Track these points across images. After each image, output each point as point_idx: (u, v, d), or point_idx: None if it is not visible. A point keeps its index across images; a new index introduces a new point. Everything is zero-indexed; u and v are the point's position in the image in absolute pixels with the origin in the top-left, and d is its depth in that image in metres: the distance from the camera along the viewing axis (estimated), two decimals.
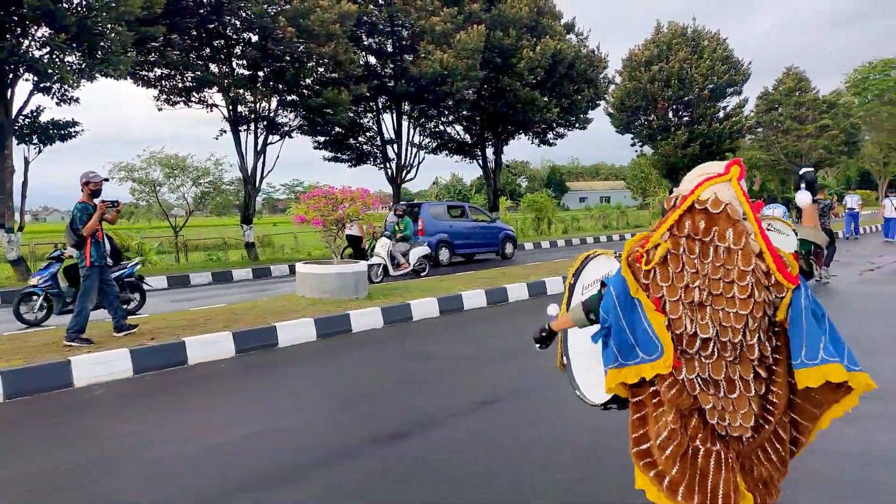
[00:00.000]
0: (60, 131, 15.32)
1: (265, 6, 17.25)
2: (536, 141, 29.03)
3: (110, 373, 6.13)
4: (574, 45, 26.67)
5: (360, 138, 25.02)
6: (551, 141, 29.26)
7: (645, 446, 2.18)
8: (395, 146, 24.65)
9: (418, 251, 14.40)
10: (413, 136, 25.32)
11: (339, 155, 25.03)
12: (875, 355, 6.27)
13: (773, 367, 2.10)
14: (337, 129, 22.74)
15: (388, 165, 24.86)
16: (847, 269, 13.21)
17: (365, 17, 20.82)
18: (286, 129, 20.99)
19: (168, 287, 14.50)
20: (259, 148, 20.05)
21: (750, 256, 2.01)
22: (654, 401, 2.14)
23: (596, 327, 2.26)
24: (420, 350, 7.28)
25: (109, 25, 13.81)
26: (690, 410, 2.09)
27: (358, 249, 16.45)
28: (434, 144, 27.98)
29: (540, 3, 25.02)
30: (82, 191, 7.23)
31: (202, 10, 17.79)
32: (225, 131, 20.02)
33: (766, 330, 2.07)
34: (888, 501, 3.34)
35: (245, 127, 19.96)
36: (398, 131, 24.47)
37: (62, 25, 12.88)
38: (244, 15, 17.97)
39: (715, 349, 2.04)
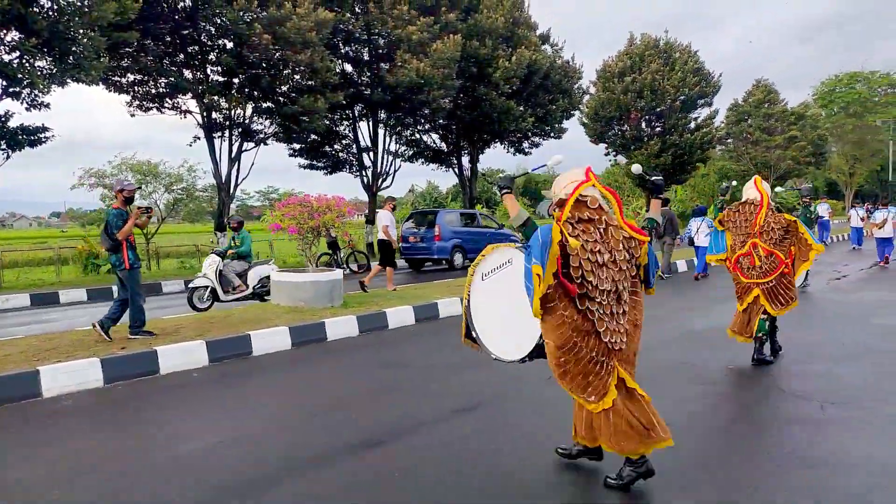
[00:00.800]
0: (30, 137, 15.05)
1: (240, 13, 17.17)
2: (512, 150, 29.26)
3: (80, 382, 6.04)
4: (549, 55, 26.96)
5: (336, 146, 24.99)
6: (526, 150, 29.53)
7: (562, 360, 3.37)
8: (371, 154, 24.66)
9: (260, 271, 11.33)
10: (389, 145, 25.39)
11: (314, 162, 24.96)
12: (839, 362, 6.43)
13: (635, 298, 3.54)
14: (313, 136, 22.70)
15: (364, 173, 24.84)
16: (815, 277, 13.50)
17: (341, 26, 20.85)
18: (261, 136, 20.89)
19: None
20: (233, 155, 19.92)
21: (620, 230, 3.41)
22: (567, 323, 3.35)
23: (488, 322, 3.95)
24: (395, 358, 7.29)
25: (82, 31, 13.64)
26: (591, 332, 3.33)
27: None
28: (410, 153, 28.03)
29: (515, 14, 25.27)
30: (116, 198, 7.76)
31: (176, 16, 17.67)
32: (199, 138, 19.87)
33: (633, 271, 3.49)
34: None
35: (219, 133, 19.82)
36: (374, 139, 24.49)
37: (33, 30, 12.70)
38: (219, 21, 17.87)
39: (611, 294, 3.35)
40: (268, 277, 11.03)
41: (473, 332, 4.03)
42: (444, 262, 17.94)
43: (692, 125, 34.83)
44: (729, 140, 47.67)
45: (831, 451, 4.09)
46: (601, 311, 3.32)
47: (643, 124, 35.12)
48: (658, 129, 34.86)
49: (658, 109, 33.87)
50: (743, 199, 6.72)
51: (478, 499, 3.51)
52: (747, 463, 3.90)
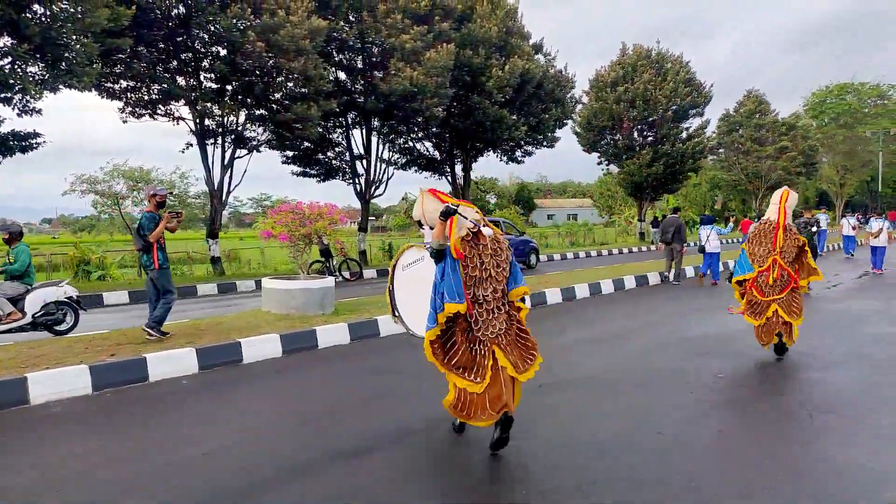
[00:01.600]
0: (21, 143, 14.97)
1: (234, 20, 17.18)
2: (505, 158, 29.34)
3: (69, 389, 5.99)
4: (542, 65, 27.09)
5: (329, 153, 24.96)
6: (519, 158, 29.60)
7: (452, 352, 4.24)
8: (365, 162, 24.65)
9: (43, 294, 9.07)
10: (382, 152, 25.38)
11: (307, 170, 24.92)
12: (831, 370, 6.46)
13: (507, 299, 4.35)
14: (306, 143, 22.66)
15: (357, 181, 24.82)
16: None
17: (335, 34, 20.87)
18: (254, 143, 20.84)
19: (130, 302, 14.21)
20: (226, 162, 19.87)
21: (499, 251, 4.27)
22: (459, 328, 4.24)
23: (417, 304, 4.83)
24: (386, 366, 7.26)
25: (74, 37, 13.59)
26: (472, 328, 4.20)
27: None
28: (403, 160, 28.04)
29: (509, 24, 25.40)
30: (149, 202, 8.17)
31: (170, 23, 17.65)
32: (192, 144, 19.81)
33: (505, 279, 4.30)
34: None
35: (212, 140, 19.76)
36: (367, 147, 24.49)
37: (25, 35, 12.66)
38: (213, 29, 17.85)
39: (491, 301, 4.21)
40: (57, 303, 9.16)
41: (396, 312, 5.29)
42: None
43: (684, 135, 35.06)
44: (720, 150, 48.01)
45: (821, 458, 4.10)
46: (484, 314, 4.23)
47: (635, 134, 35.33)
48: (650, 138, 35.08)
49: (650, 119, 34.10)
50: (764, 218, 7.30)
51: None
52: (737, 471, 3.91)
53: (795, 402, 5.36)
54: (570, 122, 31.99)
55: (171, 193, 7.03)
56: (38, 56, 13.44)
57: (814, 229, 15.13)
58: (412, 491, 3.73)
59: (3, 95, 13.90)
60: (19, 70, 13.43)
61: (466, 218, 4.22)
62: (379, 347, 8.36)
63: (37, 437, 4.94)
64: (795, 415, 5.04)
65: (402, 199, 79.90)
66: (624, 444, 4.40)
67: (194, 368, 6.95)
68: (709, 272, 15.25)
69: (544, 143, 28.96)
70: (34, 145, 15.21)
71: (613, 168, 38.26)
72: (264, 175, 41.08)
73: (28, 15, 13.00)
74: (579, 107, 33.90)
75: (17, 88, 13.49)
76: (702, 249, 15.34)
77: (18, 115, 14.46)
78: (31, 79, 13.50)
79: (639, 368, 6.71)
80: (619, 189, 45.03)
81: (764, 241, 7.09)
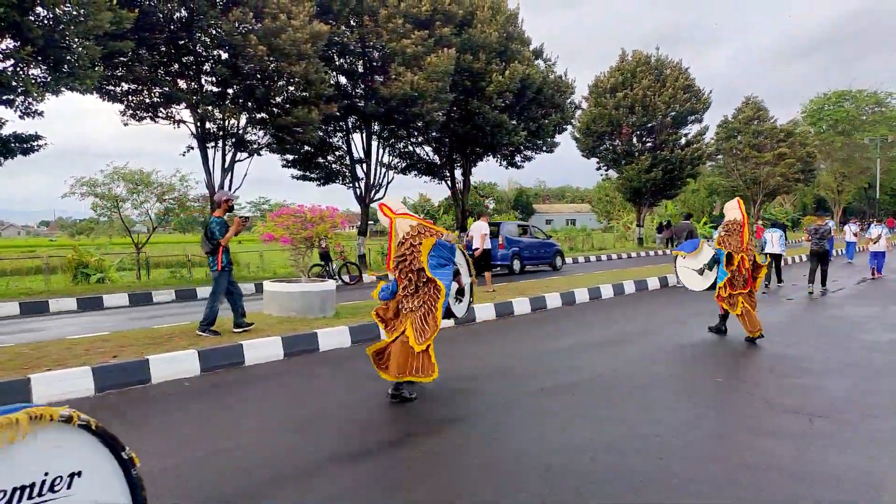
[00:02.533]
0: (23, 145, 15.01)
1: (236, 24, 17.25)
2: (504, 163, 29.43)
3: (71, 391, 6.02)
4: (542, 70, 27.20)
5: (329, 157, 25.02)
6: (519, 163, 29.69)
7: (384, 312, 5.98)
8: (365, 166, 24.71)
9: None
10: (382, 156, 25.45)
11: (307, 173, 24.97)
12: (827, 376, 6.50)
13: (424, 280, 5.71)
14: (306, 147, 22.72)
15: (356, 185, 24.87)
16: (805, 291, 13.63)
17: (336, 38, 20.95)
18: (255, 146, 20.89)
19: (130, 304, 14.24)
20: (227, 165, 19.91)
21: (415, 252, 5.67)
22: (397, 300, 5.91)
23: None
24: None
25: (77, 39, 13.66)
26: (397, 306, 5.86)
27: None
28: (403, 165, 28.11)
29: (509, 29, 25.51)
30: (220, 207, 8.68)
31: (172, 27, 17.73)
32: (192, 147, 19.85)
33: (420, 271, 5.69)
34: None
35: (213, 144, 19.81)
36: (367, 151, 24.55)
37: (28, 38, 12.71)
38: (214, 32, 17.93)
39: (412, 283, 5.74)
40: None
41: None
42: (503, 267, 19.93)
43: (682, 141, 35.18)
44: (719, 156, 48.12)
45: (816, 463, 4.13)
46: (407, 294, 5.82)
47: (634, 139, 35.46)
48: (649, 144, 35.21)
49: (649, 125, 34.23)
50: (728, 219, 8.46)
51: None
52: (733, 474, 3.94)
53: (793, 408, 5.40)
54: (569, 127, 32.09)
55: (237, 198, 7.85)
56: (40, 58, 13.50)
57: (826, 244, 13.76)
58: (412, 494, 3.77)
59: (5, 98, 13.95)
60: (21, 72, 13.49)
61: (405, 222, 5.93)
62: None
63: None
64: (793, 420, 5.07)
65: (402, 202, 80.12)
66: (622, 447, 4.43)
67: (196, 370, 6.98)
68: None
69: (544, 149, 29.06)
70: (35, 147, 15.25)
71: (612, 173, 38.36)
72: (264, 178, 41.28)
73: (31, 17, 13.05)
74: (578, 112, 33.99)
75: (19, 91, 13.55)
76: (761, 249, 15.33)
77: (21, 117, 14.52)
78: (33, 81, 13.55)
79: (637, 373, 6.76)
80: (618, 194, 45.14)
81: (732, 242, 8.22)
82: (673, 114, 33.85)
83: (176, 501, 3.70)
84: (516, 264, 20.33)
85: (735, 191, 47.94)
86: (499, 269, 19.68)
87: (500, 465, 4.17)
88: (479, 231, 13.88)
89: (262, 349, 7.71)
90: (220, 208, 8.69)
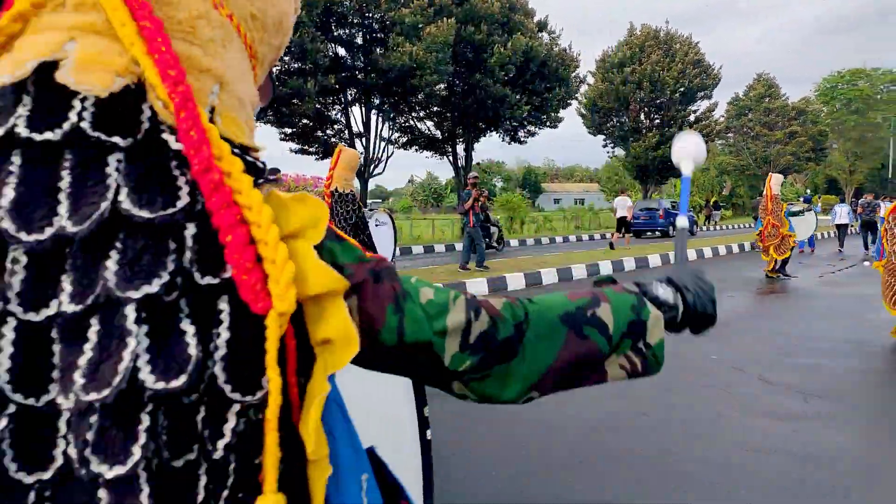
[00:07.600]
0: None
1: None
2: (507, 138, 28.93)
3: None
4: (546, 43, 26.60)
5: (328, 131, 24.67)
6: (522, 139, 29.21)
7: None
8: (364, 140, 24.33)
9: None
10: (382, 130, 25.05)
11: (306, 147, 24.64)
12: (827, 356, 6.19)
13: None
14: (304, 120, 22.36)
15: None
16: (809, 270, 13.25)
17: (334, 7, 20.47)
18: None
19: None
20: None
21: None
22: None
23: None
24: None
25: None
26: None
27: None
28: (404, 139, 27.71)
29: (512, 0, 24.90)
30: (468, 183, 11.61)
31: None
32: None
33: None
34: (824, 501, 3.19)
35: None
36: (367, 124, 24.16)
37: None
38: None
39: None
40: None
41: None
42: (660, 232, 25.59)
43: (692, 118, 34.54)
44: (729, 134, 47.42)
45: (812, 443, 3.88)
46: None
47: (642, 116, 34.83)
48: (657, 120, 34.59)
49: (658, 101, 33.58)
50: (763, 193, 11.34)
51: (453, 495, 3.22)
52: (726, 454, 3.68)
53: (789, 386, 5.10)
54: (574, 102, 31.52)
55: (476, 176, 12.69)
56: None
57: (875, 216, 15.82)
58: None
59: None
60: None
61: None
62: None
63: None
64: (790, 399, 4.79)
65: (409, 181, 79.78)
66: (614, 425, 4.21)
67: None
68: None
69: (547, 124, 28.55)
70: None
71: (619, 151, 37.81)
72: (262, 153, 40.80)
73: None
74: (584, 87, 33.36)
75: None
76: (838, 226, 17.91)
77: None
78: None
79: None
80: (626, 173, 44.64)
81: (762, 210, 11.30)
82: (682, 89, 33.19)
83: None
84: (670, 229, 24.11)
85: (745, 170, 47.35)
86: (651, 234, 26.68)
87: (496, 445, 3.86)
88: (626, 204, 17.98)
89: None
90: (469, 184, 10.99)
